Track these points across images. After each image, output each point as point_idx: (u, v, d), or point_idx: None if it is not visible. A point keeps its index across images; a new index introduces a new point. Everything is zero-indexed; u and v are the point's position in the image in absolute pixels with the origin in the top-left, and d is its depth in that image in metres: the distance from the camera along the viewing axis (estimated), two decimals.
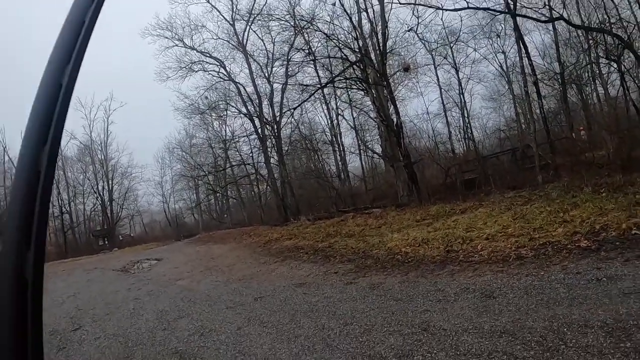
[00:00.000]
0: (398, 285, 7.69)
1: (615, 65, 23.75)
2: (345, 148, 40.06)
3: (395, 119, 23.14)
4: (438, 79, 35.92)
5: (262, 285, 10.31)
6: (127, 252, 35.15)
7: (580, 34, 25.73)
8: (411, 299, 6.66)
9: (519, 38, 22.01)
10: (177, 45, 36.73)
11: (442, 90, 35.99)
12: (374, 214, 19.47)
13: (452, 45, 33.01)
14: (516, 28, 21.81)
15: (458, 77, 34.76)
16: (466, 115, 35.09)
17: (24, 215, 0.82)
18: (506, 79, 33.97)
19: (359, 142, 39.16)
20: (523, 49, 22.02)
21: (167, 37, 36.44)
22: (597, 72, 27.41)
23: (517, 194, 14.52)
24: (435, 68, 35.41)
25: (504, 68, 33.73)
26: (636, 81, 22.14)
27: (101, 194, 54.36)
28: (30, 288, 0.79)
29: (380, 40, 23.67)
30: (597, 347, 3.78)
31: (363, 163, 41.13)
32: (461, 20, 28.43)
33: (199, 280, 13.11)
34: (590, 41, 24.91)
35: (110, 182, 55.29)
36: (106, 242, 50.62)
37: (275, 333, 6.26)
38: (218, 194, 52.88)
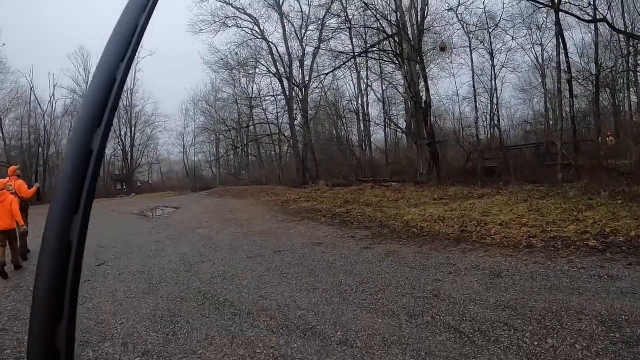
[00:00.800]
0: (412, 255, 8.11)
1: None
2: (371, 119, 39.92)
3: (424, 97, 23.12)
4: (472, 63, 35.23)
5: (281, 241, 10.71)
6: (144, 198, 35.90)
7: (622, 39, 25.10)
8: (424, 268, 7.09)
9: (559, 33, 21.68)
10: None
11: (475, 74, 35.43)
12: (392, 187, 19.74)
13: (490, 30, 32.29)
14: (557, 23, 21.43)
15: (492, 63, 33.98)
16: (495, 103, 34.49)
17: (74, 184, 0.90)
18: (540, 72, 33.00)
19: (385, 115, 39.02)
20: (562, 45, 21.79)
21: None
22: (633, 79, 26.84)
23: (536, 188, 14.68)
24: (471, 51, 34.58)
25: (540, 61, 32.72)
26: None
27: (123, 139, 54.86)
28: (75, 250, 0.87)
29: (419, 16, 23.57)
30: (589, 333, 4.20)
31: (386, 136, 40.98)
32: (503, 7, 28.17)
33: (218, 230, 13.57)
34: (631, 48, 24.39)
35: (133, 129, 55.72)
36: (124, 187, 51.30)
37: (295, 284, 6.73)
38: (238, 150, 53.21)
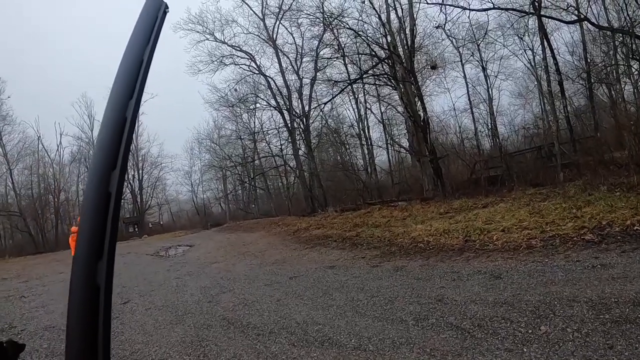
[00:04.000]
0: (419, 268, 8.52)
1: (636, 66, 23.82)
2: (373, 142, 40.39)
3: (422, 115, 23.43)
4: (465, 76, 36.05)
5: (295, 268, 11.14)
6: (157, 239, 36.36)
7: (607, 34, 25.50)
8: (429, 278, 7.50)
9: (544, 38, 22.24)
10: (208, 39, 37.43)
11: (470, 86, 36.10)
12: (399, 207, 20.05)
13: (479, 42, 33.07)
14: (541, 28, 21.94)
15: (485, 74, 34.85)
16: (493, 112, 35.07)
17: (96, 229, 0.93)
18: (534, 76, 33.33)
19: (387, 136, 39.58)
20: (548, 49, 22.26)
21: (198, 32, 37.12)
22: (624, 71, 26.92)
23: (538, 191, 14.98)
24: (463, 65, 35.51)
25: (532, 64, 33.29)
26: None
27: (131, 182, 55.78)
28: (103, 293, 0.89)
29: (409, 37, 24.05)
30: (580, 317, 4.57)
31: (390, 157, 41.45)
32: (488, 18, 28.67)
33: (234, 263, 13.98)
34: (616, 42, 24.77)
35: (140, 172, 56.72)
36: (136, 229, 51.75)
37: (311, 304, 7.13)
38: (246, 185, 53.70)
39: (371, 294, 7.10)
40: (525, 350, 4.02)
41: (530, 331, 4.44)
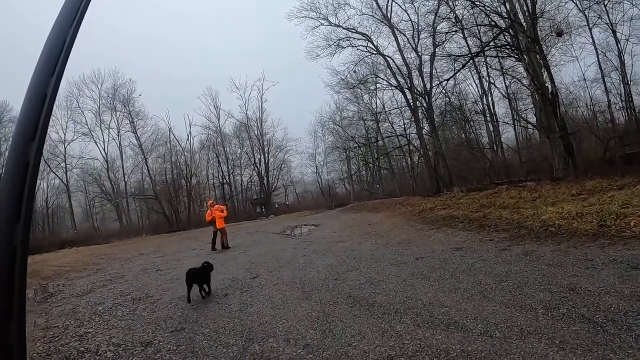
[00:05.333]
0: (550, 253, 8.20)
1: None
2: (499, 118, 38.95)
3: (550, 87, 22.25)
4: (594, 41, 32.85)
5: (421, 248, 11.15)
6: (283, 219, 37.45)
7: None
8: (561, 265, 7.20)
9: None
10: (322, 25, 38.21)
11: (599, 52, 32.92)
12: (528, 187, 19.34)
13: (606, 2, 29.61)
14: None
15: (616, 38, 31.28)
16: (627, 81, 31.46)
17: (15, 195, 0.96)
18: None
19: (513, 111, 37.82)
20: None
21: (312, 18, 38.21)
22: None
23: None
24: (590, 29, 32.27)
25: None
26: None
27: (257, 165, 58.62)
28: (19, 254, 0.93)
29: (529, 3, 22.79)
30: None
31: (517, 134, 39.68)
32: None
33: (360, 242, 14.24)
34: None
35: (266, 155, 59.39)
36: (263, 210, 54.32)
37: (437, 285, 7.16)
38: (370, 165, 54.06)
39: (499, 278, 6.99)
40: None
41: None
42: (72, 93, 50.71)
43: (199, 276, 9.00)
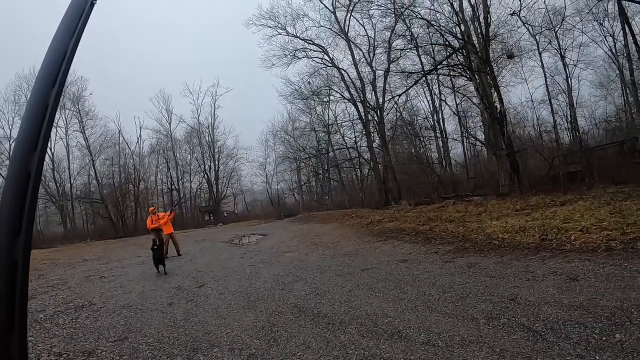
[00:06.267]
0: (493, 265, 8.37)
1: None
2: (448, 134, 39.82)
3: (498, 106, 22.88)
4: (542, 65, 34.17)
5: (368, 260, 11.19)
6: (231, 227, 37.10)
7: None
8: (503, 276, 7.36)
9: (625, 22, 21.00)
10: (280, 34, 38.47)
11: (548, 76, 34.26)
12: (474, 202, 19.73)
13: (556, 29, 31.10)
14: (621, 12, 20.70)
15: (564, 62, 32.65)
16: (573, 103, 32.94)
17: (15, 207, 0.95)
18: (616, 64, 30.90)
19: (462, 128, 38.67)
20: (630, 34, 20.95)
21: (270, 27, 38.37)
22: None
23: (620, 190, 14.41)
24: (540, 53, 33.61)
25: (614, 51, 30.65)
26: None
27: (208, 172, 58.17)
28: (20, 268, 0.92)
29: (483, 26, 23.42)
30: None
31: (465, 150, 40.68)
32: (565, 3, 27.21)
33: (307, 253, 14.21)
34: None
35: (216, 162, 59.00)
36: (211, 218, 53.94)
37: (382, 296, 7.19)
38: (320, 176, 54.29)
39: (443, 289, 7.08)
40: (597, 358, 3.92)
41: (604, 338, 4.30)
42: (21, 87, 49.06)
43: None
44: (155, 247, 13.18)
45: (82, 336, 6.87)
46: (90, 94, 50.90)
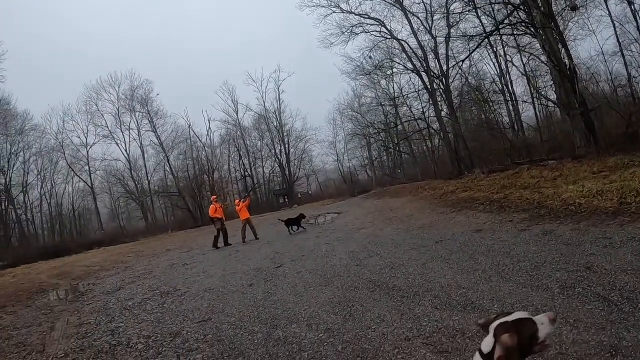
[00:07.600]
0: (569, 232, 8.15)
1: None
2: (518, 97, 38.57)
3: (567, 63, 21.78)
4: (610, 13, 31.91)
5: (441, 232, 11.20)
6: (306, 208, 37.60)
7: None
8: (579, 243, 7.17)
9: None
10: (334, 12, 38.12)
11: (617, 25, 31.91)
12: (549, 166, 19.25)
13: None
14: None
15: (632, 8, 30.06)
16: None
17: None
18: None
19: (532, 89, 37.27)
20: None
21: (323, 6, 38.15)
22: None
23: None
24: (606, 1, 31.44)
25: None
26: None
27: (278, 156, 59.37)
28: None
29: None
30: None
31: (537, 112, 39.02)
32: None
33: (381, 228, 14.35)
34: None
35: (286, 146, 60.14)
36: (286, 200, 55.13)
37: (456, 267, 7.24)
38: (390, 150, 54.03)
39: (517, 258, 7.01)
40: None
41: None
42: (91, 97, 52.12)
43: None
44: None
45: (169, 319, 7.37)
46: (157, 94, 54.43)
